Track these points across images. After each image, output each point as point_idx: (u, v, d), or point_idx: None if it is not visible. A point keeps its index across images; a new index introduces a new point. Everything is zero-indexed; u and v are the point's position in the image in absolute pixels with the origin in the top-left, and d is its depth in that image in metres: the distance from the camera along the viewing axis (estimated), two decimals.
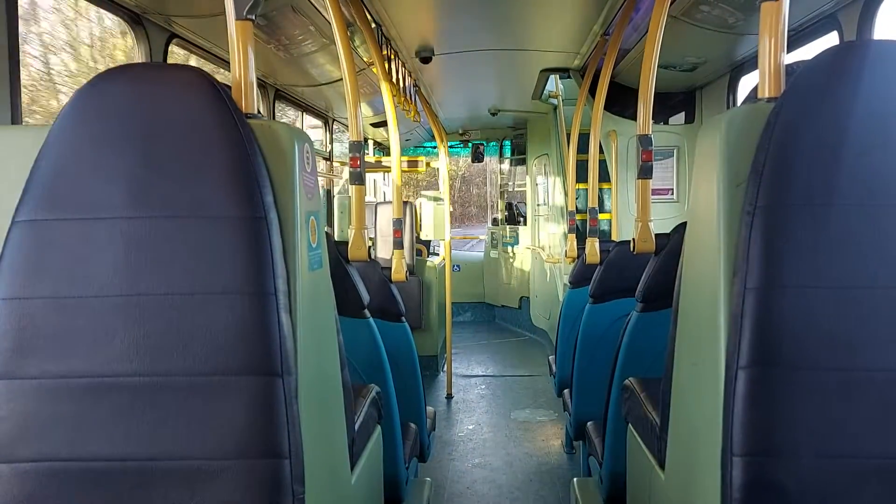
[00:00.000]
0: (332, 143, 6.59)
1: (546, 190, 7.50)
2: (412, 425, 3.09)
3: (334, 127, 6.66)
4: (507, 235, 9.36)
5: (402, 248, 3.55)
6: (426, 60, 4.65)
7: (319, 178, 1.98)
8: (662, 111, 5.44)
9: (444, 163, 6.28)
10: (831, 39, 3.31)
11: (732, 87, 4.72)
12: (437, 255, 7.67)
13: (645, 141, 2.73)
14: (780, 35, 1.45)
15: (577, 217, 4.81)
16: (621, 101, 5.11)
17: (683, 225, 2.02)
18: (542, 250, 7.47)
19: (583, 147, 4.53)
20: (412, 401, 3.16)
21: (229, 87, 1.49)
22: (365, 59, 4.48)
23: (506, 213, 9.64)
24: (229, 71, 1.58)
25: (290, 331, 1.41)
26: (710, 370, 1.44)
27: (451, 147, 9.73)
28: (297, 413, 1.41)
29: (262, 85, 4.81)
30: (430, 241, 7.65)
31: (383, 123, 6.76)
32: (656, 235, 2.65)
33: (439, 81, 5.70)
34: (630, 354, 2.69)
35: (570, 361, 3.82)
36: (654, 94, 2.73)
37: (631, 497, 2.32)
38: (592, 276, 3.56)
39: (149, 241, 1.40)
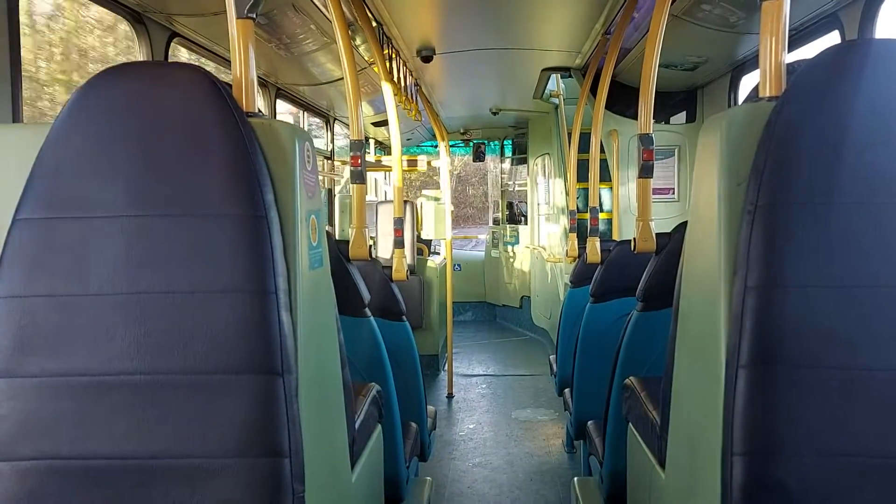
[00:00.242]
0: (332, 141, 6.59)
1: (547, 189, 7.50)
2: (413, 424, 3.09)
3: (335, 126, 6.66)
4: (508, 235, 9.36)
5: (403, 247, 3.54)
6: (427, 59, 4.65)
7: (320, 177, 1.98)
8: (663, 110, 5.43)
9: (445, 162, 6.28)
10: (832, 38, 3.31)
11: (734, 87, 4.72)
12: (438, 254, 7.67)
13: (646, 140, 2.73)
14: (781, 34, 1.45)
15: (578, 216, 4.81)
16: (622, 100, 5.10)
17: (684, 224, 2.02)
18: (542, 249, 7.47)
19: (584, 146, 4.52)
20: (413, 400, 3.16)
21: (230, 86, 1.49)
22: (366, 58, 4.48)
23: (507, 213, 9.64)
24: (230, 69, 1.57)
25: (290, 329, 1.41)
26: (710, 369, 1.44)
27: (452, 146, 9.73)
28: (297, 412, 1.41)
29: (263, 84, 4.81)
30: (430, 240, 7.65)
31: (384, 122, 6.75)
32: (657, 235, 2.65)
33: (440, 80, 5.70)
34: (631, 354, 2.69)
35: (571, 361, 3.82)
36: (655, 94, 2.72)
37: (631, 496, 2.31)
38: (593, 275, 3.56)
39: (149, 240, 1.40)
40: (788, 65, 1.47)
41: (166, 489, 1.38)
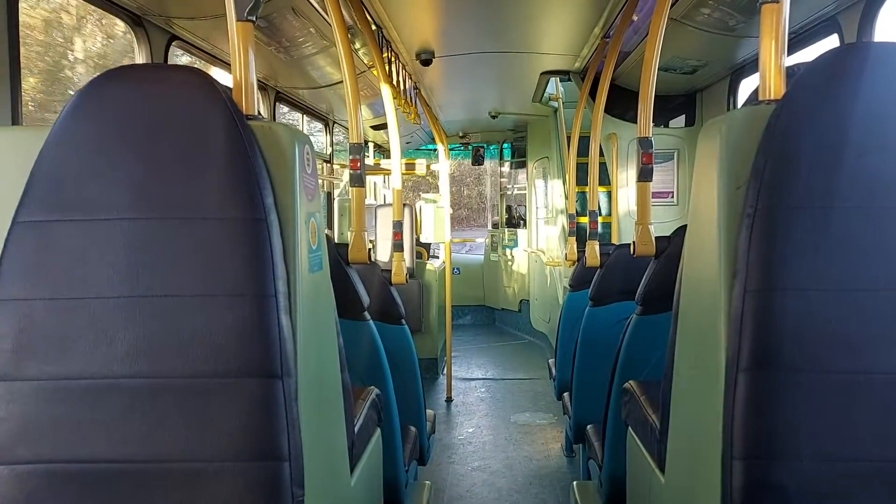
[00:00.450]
0: (332, 145, 6.59)
1: (546, 193, 7.50)
2: (412, 428, 3.08)
3: (335, 129, 6.67)
4: (507, 238, 9.36)
5: (402, 250, 3.54)
6: (427, 63, 4.65)
7: (319, 181, 1.98)
8: (663, 114, 5.43)
9: (444, 166, 6.27)
10: (832, 42, 3.31)
11: (733, 90, 4.72)
12: (438, 257, 7.67)
13: (645, 144, 2.73)
14: (780, 37, 1.45)
15: (578, 220, 4.81)
16: (622, 103, 5.10)
17: (684, 228, 2.02)
18: (542, 253, 7.47)
19: (583, 150, 4.53)
20: (412, 404, 3.15)
21: (230, 89, 1.49)
22: (365, 62, 4.48)
23: (506, 216, 9.65)
24: (230, 72, 1.57)
25: (290, 333, 1.41)
26: (710, 373, 1.43)
27: (451, 150, 9.73)
28: (296, 415, 1.41)
29: (262, 87, 4.81)
30: (430, 243, 7.65)
31: (383, 126, 6.75)
32: (656, 238, 2.65)
33: (440, 84, 5.70)
34: (630, 357, 2.69)
35: (570, 364, 3.82)
36: (654, 97, 2.72)
37: (631, 500, 2.31)
38: (592, 279, 3.56)
39: (149, 243, 1.39)
40: (788, 68, 1.47)
41: (165, 493, 1.38)
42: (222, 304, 1.38)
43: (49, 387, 1.38)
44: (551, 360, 4.79)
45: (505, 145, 9.88)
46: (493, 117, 7.51)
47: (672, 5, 3.13)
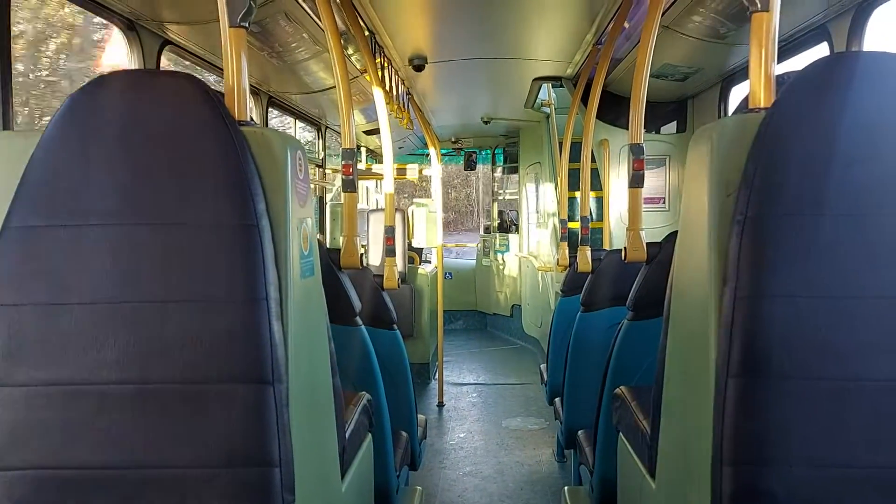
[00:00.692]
0: (324, 149, 6.59)
1: (538, 198, 7.51)
2: (403, 433, 3.08)
3: (327, 134, 6.67)
4: (499, 243, 9.37)
5: (394, 255, 3.54)
6: (419, 68, 4.66)
7: (311, 186, 1.98)
8: (654, 120, 5.45)
9: (436, 171, 6.28)
10: (821, 50, 3.34)
11: (724, 97, 4.74)
12: (430, 262, 7.67)
13: (637, 150, 2.74)
14: (770, 46, 1.46)
15: (569, 225, 4.82)
16: (613, 109, 5.12)
17: (675, 234, 2.03)
18: (534, 258, 7.48)
19: (575, 156, 4.54)
20: (403, 409, 3.15)
21: (222, 94, 1.49)
22: (358, 67, 4.48)
23: (498, 221, 9.66)
24: (222, 78, 1.57)
25: (281, 338, 1.41)
26: (700, 378, 1.44)
27: (443, 155, 9.74)
28: (287, 421, 1.40)
29: (255, 92, 4.80)
30: (422, 248, 7.65)
31: (376, 131, 6.76)
32: (648, 244, 2.66)
33: (432, 89, 5.71)
34: (621, 363, 2.69)
35: (562, 370, 3.82)
36: (645, 104, 2.74)
37: None
38: (584, 284, 3.57)
39: (140, 248, 1.39)
40: (777, 76, 1.48)
41: (155, 499, 1.37)
42: (213, 309, 1.37)
43: (39, 392, 1.37)
44: (543, 365, 4.79)
45: (497, 150, 9.90)
46: (486, 123, 7.52)
47: (663, 13, 3.14)
